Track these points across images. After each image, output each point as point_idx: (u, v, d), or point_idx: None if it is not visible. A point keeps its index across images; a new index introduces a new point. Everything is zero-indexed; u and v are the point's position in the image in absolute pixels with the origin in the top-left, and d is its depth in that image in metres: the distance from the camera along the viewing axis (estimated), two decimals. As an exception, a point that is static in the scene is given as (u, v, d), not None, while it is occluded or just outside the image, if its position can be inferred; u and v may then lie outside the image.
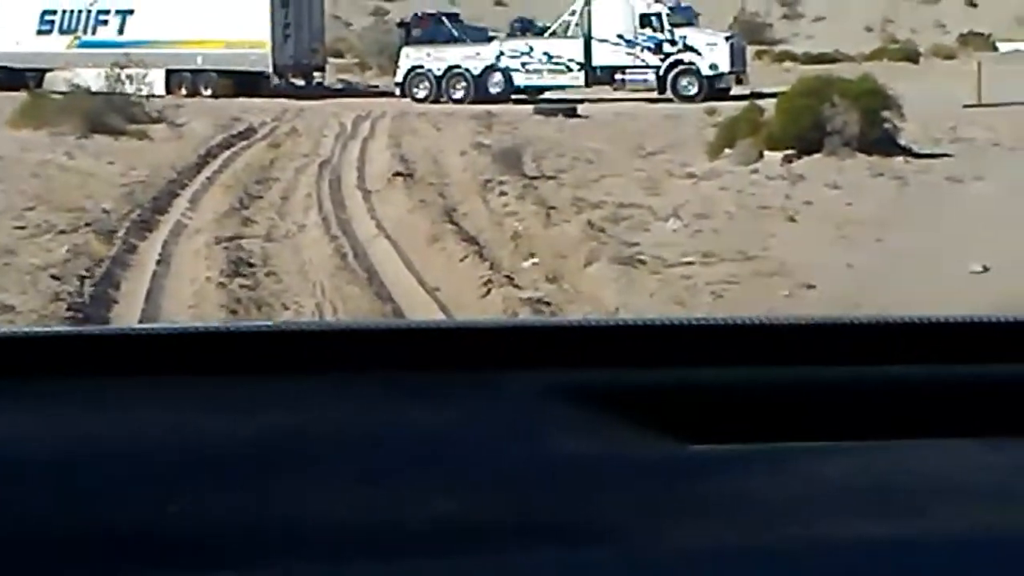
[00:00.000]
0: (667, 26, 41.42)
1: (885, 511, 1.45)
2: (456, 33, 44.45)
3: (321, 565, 1.33)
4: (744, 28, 66.37)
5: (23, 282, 12.24)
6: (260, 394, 1.62)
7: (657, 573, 1.36)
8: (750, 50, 48.84)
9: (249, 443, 1.53)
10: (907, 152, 21.69)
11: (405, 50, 43.42)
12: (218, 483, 1.46)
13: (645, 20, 41.64)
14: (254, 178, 21.32)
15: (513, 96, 41.23)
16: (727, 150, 21.97)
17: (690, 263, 13.29)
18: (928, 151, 22.25)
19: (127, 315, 11.46)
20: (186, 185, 20.52)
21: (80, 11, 48.67)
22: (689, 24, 42.66)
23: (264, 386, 1.64)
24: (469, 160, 23.22)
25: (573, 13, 42.63)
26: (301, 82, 46.97)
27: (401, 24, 47.49)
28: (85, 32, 48.35)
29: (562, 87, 41.90)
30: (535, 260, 13.68)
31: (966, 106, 32.82)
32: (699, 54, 41.21)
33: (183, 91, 44.15)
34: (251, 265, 13.66)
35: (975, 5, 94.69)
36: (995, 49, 66.66)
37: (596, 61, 41.80)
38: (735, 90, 39.72)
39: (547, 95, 41.38)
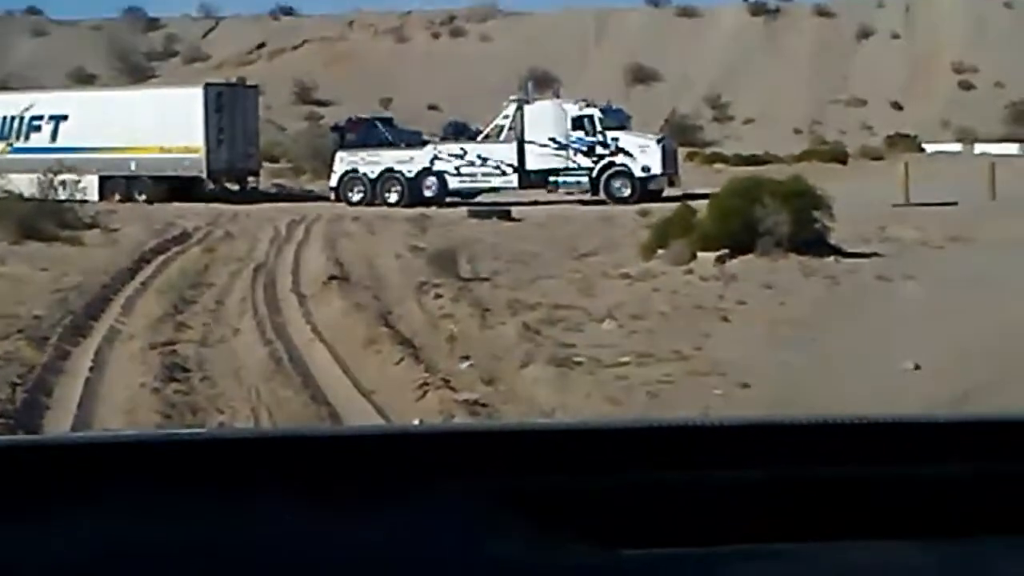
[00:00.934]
0: (599, 129, 41.81)
1: None
2: (390, 137, 44.69)
3: None
4: (675, 130, 67.16)
5: (-46, 390, 12.10)
6: (191, 504, 1.61)
7: None
8: (681, 152, 49.35)
9: (176, 554, 1.52)
10: (837, 252, 21.91)
11: (339, 154, 43.57)
12: None
13: (577, 123, 42.02)
14: (188, 283, 21.24)
15: (448, 199, 41.41)
16: (660, 251, 22.12)
17: (625, 363, 13.33)
18: (858, 250, 22.48)
19: (59, 422, 11.35)
20: (119, 290, 20.42)
21: (13, 117, 48.58)
22: (621, 127, 43.09)
23: (196, 495, 1.62)
24: (404, 263, 23.27)
25: (506, 117, 42.95)
26: (235, 187, 46.95)
27: (335, 128, 47.68)
28: (18, 139, 48.23)
29: (496, 190, 42.14)
30: (471, 362, 13.69)
31: (894, 206, 33.25)
32: (631, 156, 41.59)
33: (117, 197, 44.04)
34: (186, 370, 13.58)
35: (901, 108, 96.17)
36: (922, 150, 67.67)
37: (529, 164, 42.10)
38: (667, 192, 40.11)
39: (481, 198, 41.60)
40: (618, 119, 43.67)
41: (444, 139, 44.76)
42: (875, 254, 22.49)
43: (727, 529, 1.60)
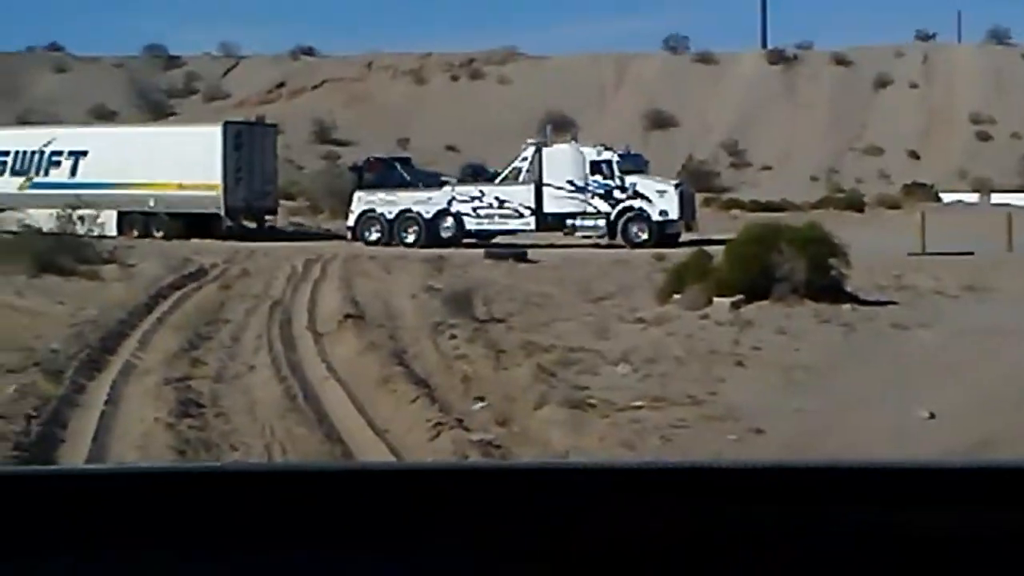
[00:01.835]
0: (617, 173, 41.83)
1: None
2: (408, 177, 44.72)
3: None
4: (692, 176, 67.21)
5: (-31, 421, 12.14)
6: (208, 538, 1.61)
7: None
8: (698, 197, 49.39)
9: None
10: (853, 299, 21.89)
11: (357, 194, 43.66)
12: None
13: (595, 167, 42.05)
14: (204, 319, 21.28)
15: (464, 240, 41.45)
16: (676, 295, 22.11)
17: (639, 407, 13.32)
18: (874, 298, 22.47)
19: (74, 455, 11.37)
20: (136, 325, 20.45)
21: (33, 152, 48.83)
22: (639, 171, 43.12)
23: (211, 528, 1.63)
24: (419, 303, 23.29)
25: (524, 159, 43.02)
26: (253, 224, 47.06)
27: (353, 168, 47.76)
28: (38, 174, 48.44)
29: (513, 232, 42.18)
30: (485, 403, 13.69)
31: (910, 254, 33.25)
32: (649, 201, 41.60)
33: (135, 232, 44.22)
34: (200, 406, 13.60)
35: (918, 157, 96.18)
36: (938, 199, 67.65)
37: (547, 207, 42.13)
38: (684, 237, 40.13)
39: (497, 239, 41.65)
40: (636, 163, 43.73)
41: (462, 181, 44.82)
42: (891, 302, 22.46)
43: (738, 573, 1.60)
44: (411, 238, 42.23)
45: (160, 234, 44.49)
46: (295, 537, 1.61)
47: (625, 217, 41.55)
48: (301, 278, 29.93)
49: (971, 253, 32.47)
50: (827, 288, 21.70)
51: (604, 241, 41.17)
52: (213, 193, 45.71)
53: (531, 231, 42.04)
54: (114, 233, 41.90)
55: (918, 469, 1.89)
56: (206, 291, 26.64)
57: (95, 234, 35.96)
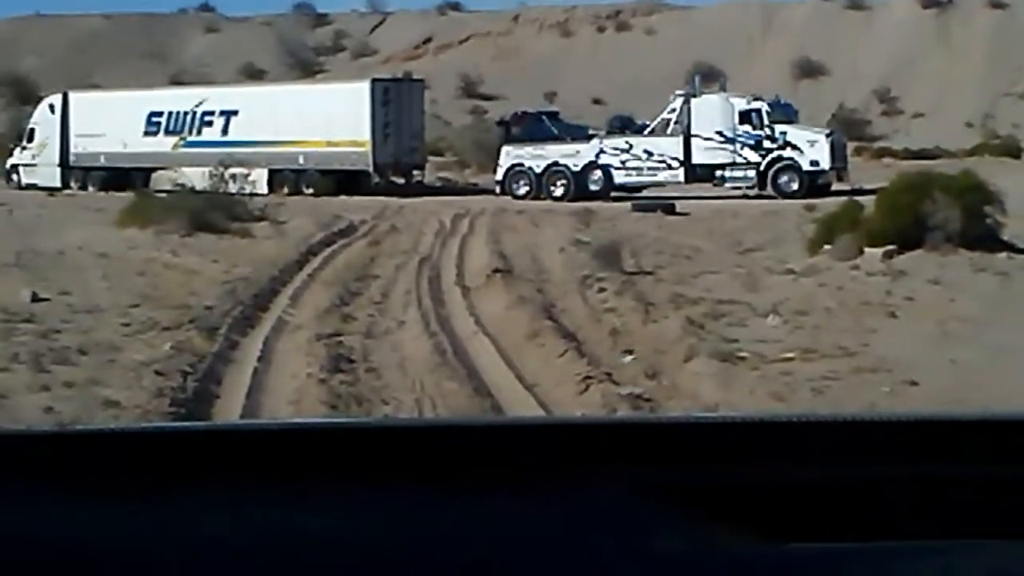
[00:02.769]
0: (767, 123, 41.31)
1: None
2: (556, 131, 44.60)
3: None
4: (842, 124, 66.18)
5: (127, 378, 12.41)
6: (356, 493, 1.62)
7: None
8: (849, 146, 48.63)
9: (348, 542, 1.54)
10: (1010, 247, 21.46)
11: (505, 148, 43.64)
12: None
13: (745, 117, 41.55)
14: (354, 275, 21.49)
15: (612, 193, 41.29)
16: (826, 246, 21.86)
17: (790, 359, 13.20)
18: (1032, 246, 22.00)
19: (229, 410, 11.56)
20: (287, 282, 20.72)
21: (185, 112, 49.65)
22: (789, 121, 42.51)
23: (361, 485, 1.64)
24: (567, 256, 23.28)
25: (672, 111, 42.69)
26: (401, 180, 47.34)
27: (501, 122, 47.74)
28: (190, 133, 49.29)
29: (662, 184, 41.91)
30: (633, 356, 13.66)
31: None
32: (799, 151, 41.03)
33: (285, 190, 44.73)
34: (351, 361, 13.74)
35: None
36: (1099, 144, 65.92)
37: (696, 158, 41.75)
38: (836, 186, 39.53)
39: (645, 192, 41.45)
40: (786, 113, 43.12)
41: (610, 133, 44.60)
42: (1049, 250, 21.99)
43: (890, 525, 1.58)
44: (559, 191, 42.14)
45: (310, 191, 44.98)
46: (444, 494, 1.62)
47: (775, 167, 41.03)
48: (449, 233, 30.09)
49: None
50: (982, 237, 21.29)
51: (753, 192, 40.74)
52: (362, 149, 46.06)
53: (680, 183, 41.70)
54: (265, 191, 42.40)
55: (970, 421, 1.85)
56: (355, 247, 26.90)
57: (246, 192, 36.45)
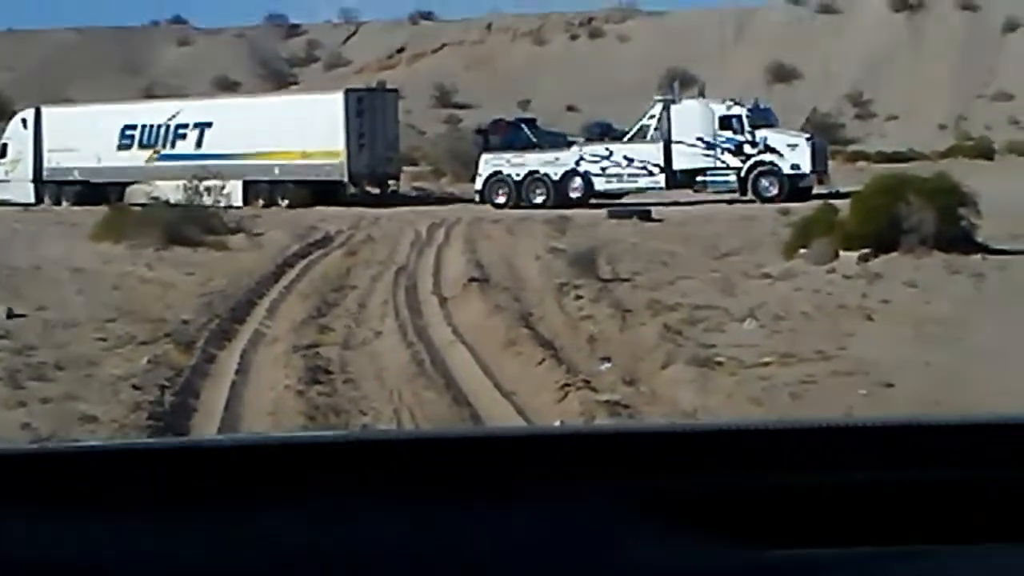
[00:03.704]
0: (747, 128, 41.35)
1: None
2: (534, 138, 44.59)
3: None
4: (816, 128, 66.29)
5: (105, 393, 12.37)
6: (336, 507, 1.62)
7: None
8: (824, 150, 48.64)
9: (336, 555, 1.54)
10: (984, 249, 21.53)
11: (484, 156, 43.59)
12: None
13: (725, 122, 41.58)
14: (331, 286, 21.47)
15: (592, 200, 41.23)
16: (802, 250, 21.91)
17: (767, 364, 13.22)
18: (1006, 247, 22.07)
19: (207, 424, 11.53)
20: (264, 295, 20.69)
21: (159, 126, 49.54)
22: (769, 125, 42.56)
23: (335, 497, 1.64)
24: (544, 264, 23.30)
25: (652, 117, 42.68)
26: (376, 190, 47.32)
27: (479, 131, 47.69)
28: (164, 146, 49.17)
29: (643, 190, 41.88)
30: (611, 363, 13.66)
31: (1043, 202, 32.58)
32: (780, 155, 41.07)
33: (260, 202, 44.67)
34: (329, 372, 13.73)
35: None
36: (1071, 144, 66.18)
37: (677, 164, 41.74)
38: (816, 190, 39.53)
39: (622, 199, 41.43)
40: (766, 117, 43.16)
41: (590, 140, 44.60)
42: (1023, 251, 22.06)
43: (870, 531, 1.59)
44: (539, 199, 42.05)
45: (285, 202, 44.92)
46: (422, 505, 1.61)
47: (756, 172, 41.04)
48: (425, 243, 30.09)
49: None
50: (957, 239, 21.36)
51: (735, 197, 40.72)
52: (336, 160, 46.03)
53: (661, 189, 41.71)
54: (240, 203, 42.34)
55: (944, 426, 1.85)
56: (332, 258, 26.87)
57: (221, 204, 36.39)
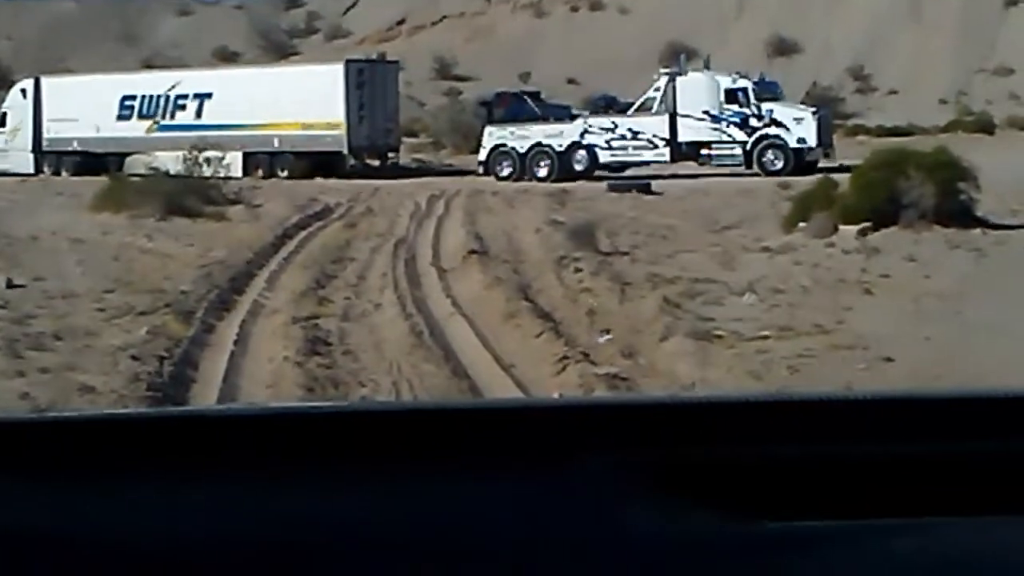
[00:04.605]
0: (753, 101, 41.22)
1: None
2: (538, 111, 44.46)
3: None
4: (816, 102, 66.21)
5: (103, 363, 12.37)
6: (334, 478, 1.63)
7: None
8: (826, 124, 48.57)
9: (338, 528, 1.54)
10: (984, 224, 21.53)
11: (488, 128, 43.41)
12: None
13: (731, 95, 41.42)
14: (330, 258, 21.47)
15: (596, 173, 41.16)
16: (802, 224, 21.91)
17: (766, 337, 13.23)
18: (1005, 222, 22.07)
19: (206, 395, 11.54)
20: (263, 265, 20.69)
21: (159, 96, 49.46)
22: (775, 99, 42.42)
23: (334, 468, 1.64)
24: (543, 237, 23.28)
25: (657, 89, 42.54)
26: (376, 162, 47.29)
27: (483, 103, 47.53)
28: (164, 117, 49.11)
29: (647, 163, 41.79)
30: (610, 336, 13.67)
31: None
32: (786, 128, 40.94)
33: (260, 173, 44.63)
34: (328, 344, 13.73)
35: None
36: (1072, 119, 66.15)
37: (682, 137, 41.62)
38: (823, 164, 39.42)
39: (625, 172, 41.35)
40: (772, 91, 43.00)
41: (594, 112, 44.48)
42: (1023, 226, 22.06)
43: (869, 503, 1.59)
44: (543, 172, 41.92)
45: (285, 174, 44.87)
46: (421, 477, 1.62)
47: (762, 145, 40.91)
48: (425, 215, 30.06)
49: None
50: (957, 213, 21.37)
51: (741, 170, 40.62)
52: (336, 132, 45.97)
53: (665, 162, 41.63)
54: (240, 174, 42.31)
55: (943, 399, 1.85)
56: (331, 230, 26.86)
57: (221, 175, 36.37)
